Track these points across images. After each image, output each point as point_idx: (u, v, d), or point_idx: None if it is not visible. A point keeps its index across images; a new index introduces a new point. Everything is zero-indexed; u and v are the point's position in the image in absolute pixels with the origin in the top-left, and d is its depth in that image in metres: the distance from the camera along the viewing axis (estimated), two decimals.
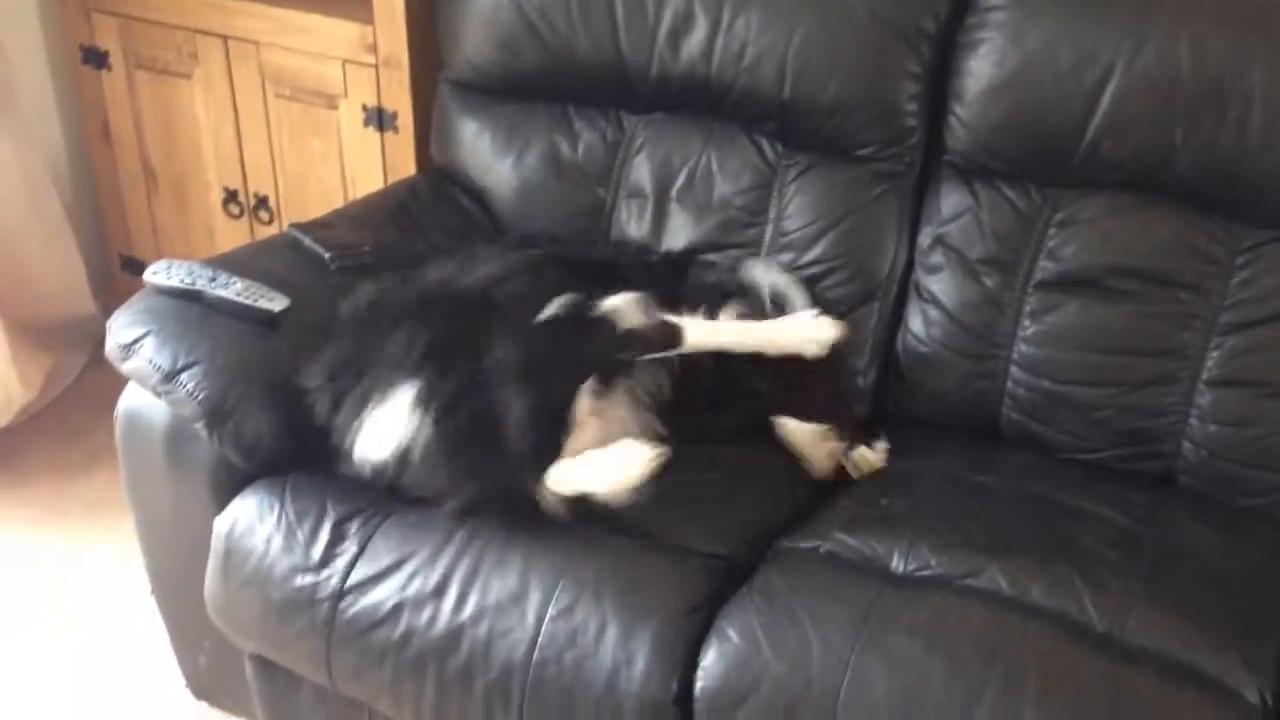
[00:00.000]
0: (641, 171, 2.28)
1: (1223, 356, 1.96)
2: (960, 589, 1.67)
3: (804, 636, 1.61)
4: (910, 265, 2.18)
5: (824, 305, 2.13)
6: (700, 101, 2.25)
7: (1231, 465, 1.94)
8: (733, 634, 1.64)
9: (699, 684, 1.63)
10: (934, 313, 2.15)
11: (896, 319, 2.19)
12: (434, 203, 2.35)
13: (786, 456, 2.00)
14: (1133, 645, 1.59)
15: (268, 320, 1.89)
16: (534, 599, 1.71)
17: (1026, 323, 2.08)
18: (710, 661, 1.63)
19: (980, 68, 2.04)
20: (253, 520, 1.83)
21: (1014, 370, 2.08)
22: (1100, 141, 1.99)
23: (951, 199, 2.14)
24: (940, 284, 2.15)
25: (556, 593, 1.70)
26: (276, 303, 1.89)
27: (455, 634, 1.72)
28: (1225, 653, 1.58)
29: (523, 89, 2.34)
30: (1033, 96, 2.01)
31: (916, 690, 1.55)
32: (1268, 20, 1.93)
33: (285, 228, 2.25)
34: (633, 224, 2.28)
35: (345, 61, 2.55)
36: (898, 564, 1.72)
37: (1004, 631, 1.59)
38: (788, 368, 2.00)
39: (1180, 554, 1.79)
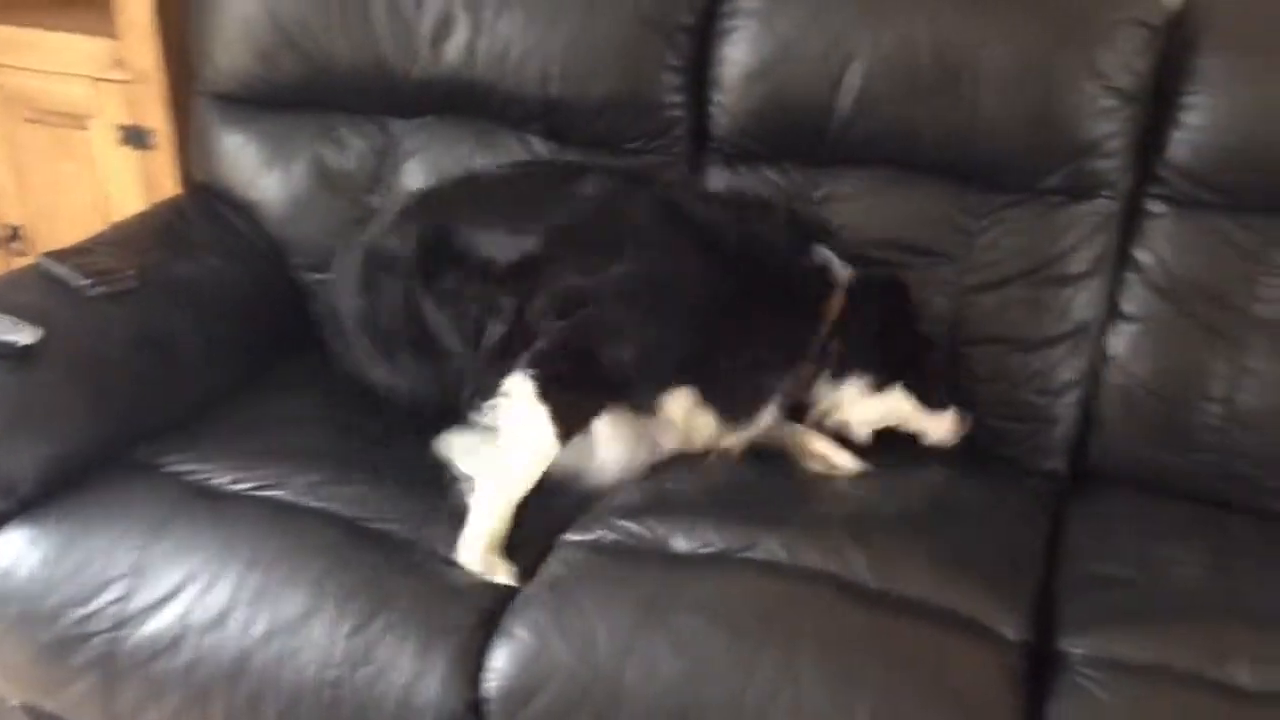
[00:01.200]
0: (413, 177, 2.26)
1: (974, 317, 2.07)
2: (740, 562, 1.71)
3: (590, 626, 1.63)
4: None
5: None
6: (467, 104, 2.25)
7: (987, 418, 2.05)
8: (520, 632, 1.64)
9: (489, 685, 1.62)
10: None
11: None
12: (203, 221, 2.29)
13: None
14: (902, 597, 1.65)
15: (18, 354, 1.81)
16: (325, 616, 1.68)
17: None
18: (499, 662, 1.63)
19: (736, 55, 2.11)
20: (14, 561, 1.75)
21: None
22: (851, 122, 2.07)
23: (719, 185, 2.19)
24: None
25: (349, 608, 1.67)
26: (26, 335, 1.82)
27: (243, 658, 1.68)
28: (984, 595, 1.67)
29: (285, 99, 2.30)
30: (787, 81, 2.08)
31: (700, 664, 1.59)
32: (996, 3, 2.04)
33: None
34: None
35: (93, 79, 2.46)
36: (680, 544, 1.75)
37: (781, 598, 1.64)
38: None
39: (946, 507, 1.88)
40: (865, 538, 1.74)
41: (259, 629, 1.68)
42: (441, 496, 1.81)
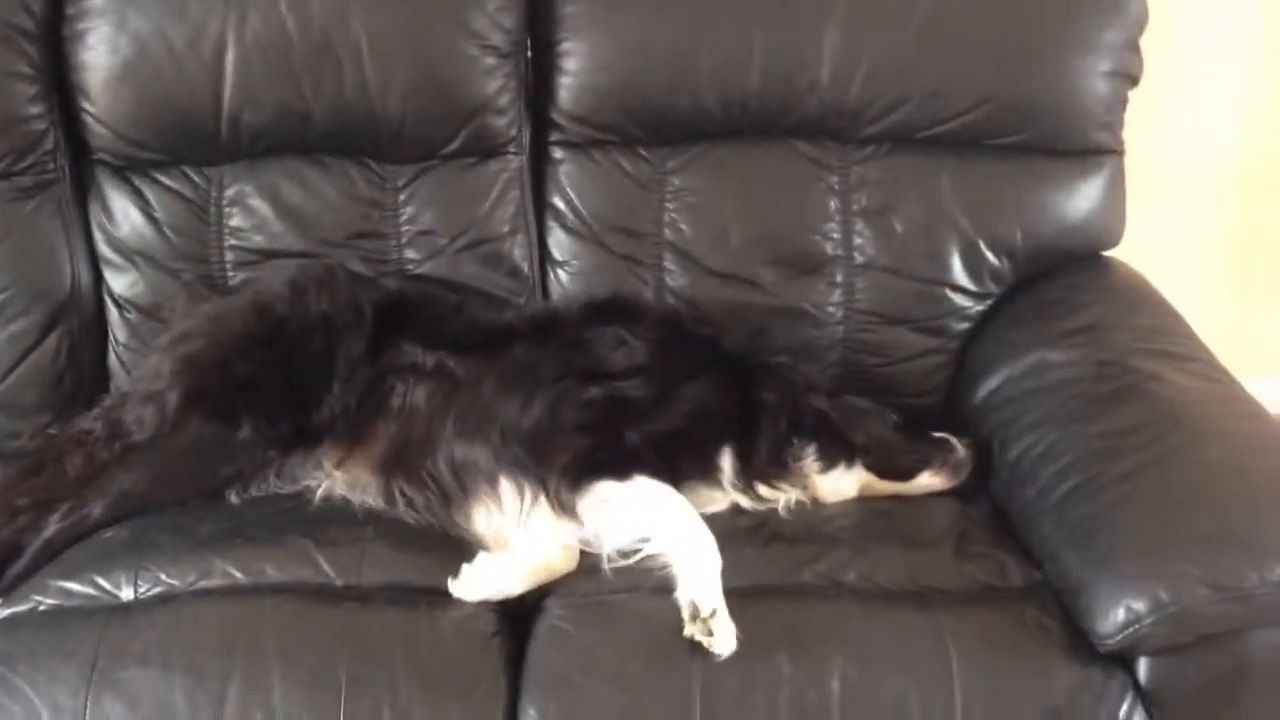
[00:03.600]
0: None
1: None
2: (193, 595, 1.61)
3: (31, 709, 1.49)
4: (100, 276, 2.06)
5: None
6: None
7: None
8: None
9: None
10: (139, 319, 2.06)
11: (103, 334, 2.07)
12: None
13: None
14: (369, 587, 1.63)
15: None
16: None
17: None
18: None
19: (94, 59, 1.95)
20: None
21: None
22: (239, 113, 1.99)
23: (116, 200, 2.05)
24: (135, 289, 2.06)
25: None
26: None
27: None
28: (452, 564, 1.65)
29: None
30: (156, 80, 1.96)
31: (161, 715, 1.49)
32: None
33: None
34: None
35: None
36: (126, 592, 1.62)
37: (240, 621, 1.56)
38: None
39: None
40: (323, 535, 1.69)
41: None
42: None
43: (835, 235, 2.09)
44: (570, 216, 2.11)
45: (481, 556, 1.65)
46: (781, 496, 1.80)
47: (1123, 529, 1.55)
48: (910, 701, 1.49)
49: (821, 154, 2.09)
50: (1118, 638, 1.49)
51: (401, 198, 2.07)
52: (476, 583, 1.62)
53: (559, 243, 2.12)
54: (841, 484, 1.87)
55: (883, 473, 1.88)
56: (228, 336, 1.86)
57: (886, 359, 2.10)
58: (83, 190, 2.05)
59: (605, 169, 2.10)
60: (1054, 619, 1.56)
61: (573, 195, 2.10)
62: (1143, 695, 1.51)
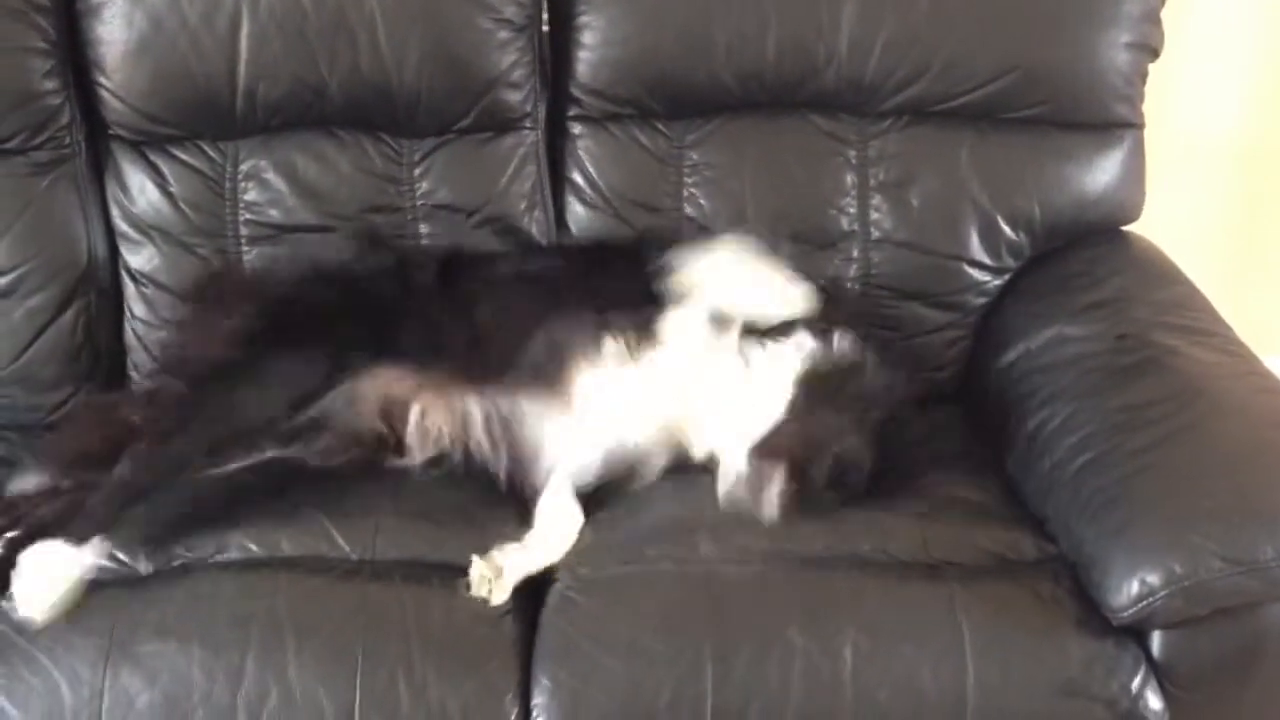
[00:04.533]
0: None
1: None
2: (209, 568, 1.62)
3: (49, 681, 1.50)
4: (117, 251, 2.06)
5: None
6: None
7: None
8: None
9: None
10: (156, 294, 2.06)
11: (119, 310, 2.07)
12: None
13: None
14: (383, 562, 1.64)
15: None
16: None
17: None
18: None
19: (109, 34, 1.95)
20: None
21: None
22: (254, 88, 1.98)
23: (133, 175, 2.04)
24: (152, 264, 2.06)
25: None
26: None
27: None
28: (466, 539, 1.66)
29: None
30: (172, 54, 1.95)
31: (178, 688, 1.50)
32: None
33: None
34: None
35: None
36: (143, 565, 1.64)
37: (255, 595, 1.57)
38: None
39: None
40: (336, 508, 1.70)
41: None
42: None
43: (852, 210, 2.08)
44: (588, 191, 2.10)
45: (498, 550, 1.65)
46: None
47: (1139, 502, 1.55)
48: (923, 673, 1.50)
49: (839, 128, 2.08)
50: (1131, 611, 1.49)
51: (417, 172, 2.07)
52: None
53: (576, 217, 2.11)
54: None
55: None
56: (288, 282, 1.90)
57: (902, 333, 2.09)
58: (99, 165, 2.05)
59: (623, 143, 2.09)
60: (1067, 592, 1.56)
61: (591, 170, 2.09)
62: (1156, 668, 1.51)
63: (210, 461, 1.71)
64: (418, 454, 1.81)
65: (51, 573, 1.57)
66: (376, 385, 1.81)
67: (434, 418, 1.82)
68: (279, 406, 1.74)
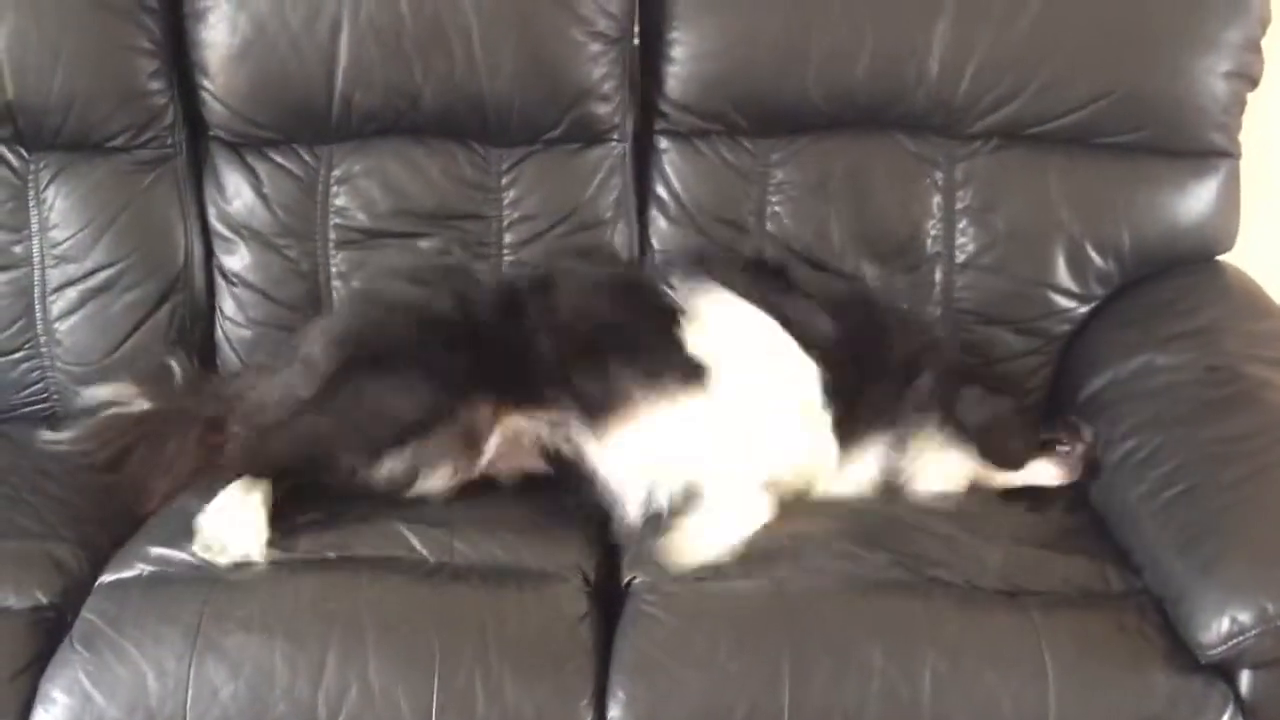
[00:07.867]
0: None
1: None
2: (293, 565, 1.64)
3: (137, 671, 1.53)
4: (211, 251, 2.11)
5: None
6: None
7: None
8: (57, 694, 1.53)
9: None
10: (245, 294, 2.10)
11: (211, 308, 2.12)
12: None
13: None
14: (460, 566, 1.65)
15: None
16: None
17: (337, 284, 2.09)
18: None
19: (214, 37, 1.99)
20: None
21: None
22: (350, 94, 2.01)
23: (230, 176, 2.09)
24: (243, 264, 2.10)
25: None
26: None
27: None
28: (547, 548, 1.69)
29: None
30: (273, 59, 1.99)
31: (261, 680, 1.52)
32: None
33: None
34: None
35: None
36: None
37: (336, 593, 1.59)
38: None
39: None
40: (413, 516, 1.72)
41: None
42: None
43: (936, 232, 2.07)
44: (673, 206, 2.11)
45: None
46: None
47: (1230, 537, 1.52)
48: (1003, 701, 1.48)
49: (927, 149, 2.07)
50: (1220, 649, 1.46)
51: (504, 181, 2.09)
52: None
53: (659, 232, 2.12)
54: (951, 468, 1.84)
55: (995, 455, 1.84)
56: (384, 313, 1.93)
57: (985, 359, 2.07)
58: (198, 165, 2.10)
59: (708, 159, 2.10)
60: (1153, 625, 1.54)
61: (675, 184, 2.10)
62: (1244, 708, 1.48)
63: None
64: (503, 477, 1.84)
65: (242, 515, 1.66)
66: (469, 413, 1.82)
67: (515, 441, 1.84)
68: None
